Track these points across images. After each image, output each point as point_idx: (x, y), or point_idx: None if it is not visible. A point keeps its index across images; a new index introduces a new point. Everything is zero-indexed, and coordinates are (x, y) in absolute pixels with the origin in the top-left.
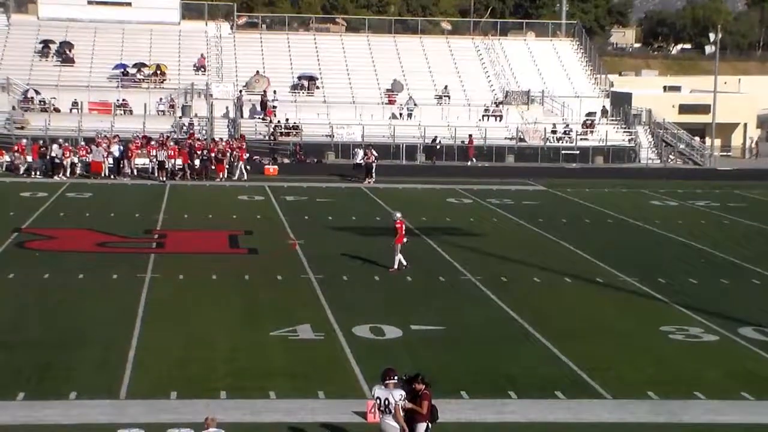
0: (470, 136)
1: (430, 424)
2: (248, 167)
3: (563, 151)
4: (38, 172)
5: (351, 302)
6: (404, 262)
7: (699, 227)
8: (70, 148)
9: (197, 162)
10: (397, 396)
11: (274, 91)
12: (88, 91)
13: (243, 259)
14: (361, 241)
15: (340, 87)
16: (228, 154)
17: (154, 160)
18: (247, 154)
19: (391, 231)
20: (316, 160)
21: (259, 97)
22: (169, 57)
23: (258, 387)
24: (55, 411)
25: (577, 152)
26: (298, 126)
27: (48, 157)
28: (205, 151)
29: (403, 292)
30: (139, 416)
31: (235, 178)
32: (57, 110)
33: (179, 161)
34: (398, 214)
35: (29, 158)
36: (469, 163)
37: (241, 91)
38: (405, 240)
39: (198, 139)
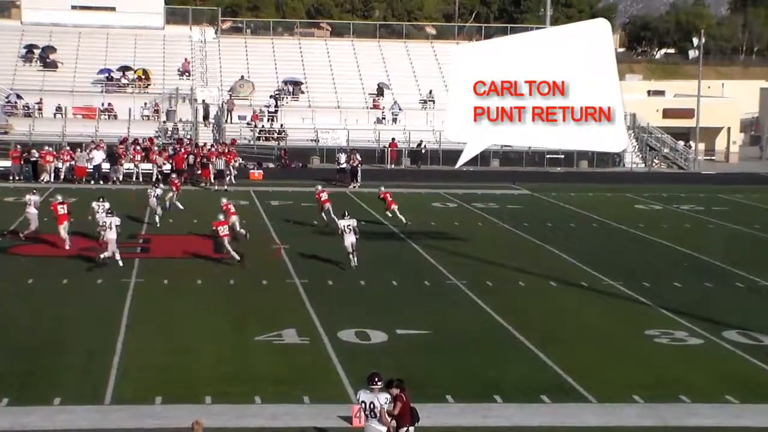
0: (393, 139)
1: (411, 428)
2: (236, 172)
3: (548, 155)
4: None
5: (336, 307)
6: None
7: (683, 231)
8: (54, 153)
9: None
10: (383, 399)
11: (270, 96)
12: (72, 95)
13: (228, 264)
14: None
15: (325, 91)
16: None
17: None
18: (238, 160)
19: (375, 235)
20: (301, 164)
21: (243, 102)
22: (153, 62)
23: (243, 392)
24: (39, 417)
25: (562, 156)
26: (283, 131)
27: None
28: (190, 156)
29: (389, 297)
30: (123, 422)
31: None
32: (39, 112)
33: (168, 166)
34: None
35: (8, 163)
36: (391, 167)
37: (230, 96)
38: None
39: (188, 144)
